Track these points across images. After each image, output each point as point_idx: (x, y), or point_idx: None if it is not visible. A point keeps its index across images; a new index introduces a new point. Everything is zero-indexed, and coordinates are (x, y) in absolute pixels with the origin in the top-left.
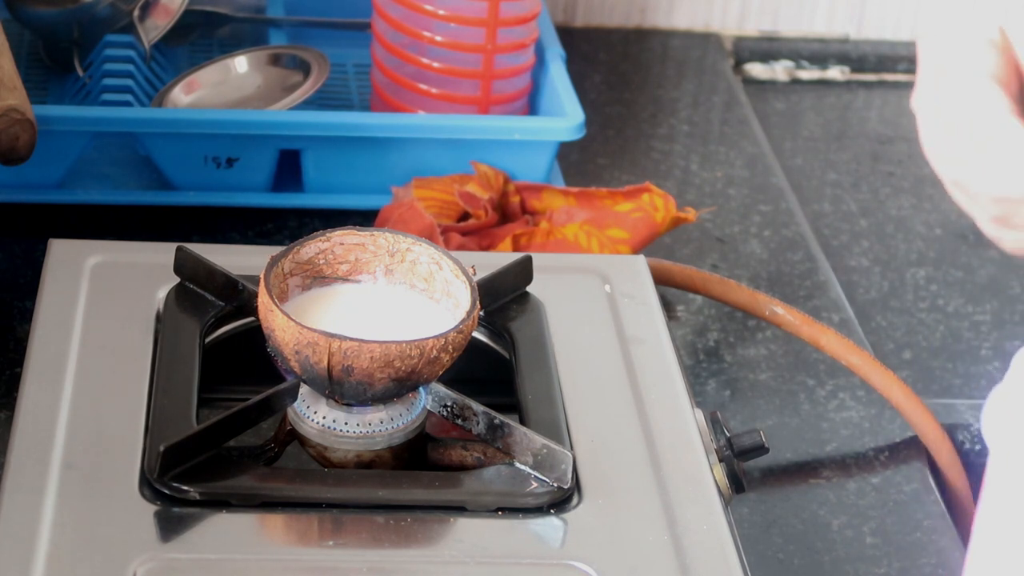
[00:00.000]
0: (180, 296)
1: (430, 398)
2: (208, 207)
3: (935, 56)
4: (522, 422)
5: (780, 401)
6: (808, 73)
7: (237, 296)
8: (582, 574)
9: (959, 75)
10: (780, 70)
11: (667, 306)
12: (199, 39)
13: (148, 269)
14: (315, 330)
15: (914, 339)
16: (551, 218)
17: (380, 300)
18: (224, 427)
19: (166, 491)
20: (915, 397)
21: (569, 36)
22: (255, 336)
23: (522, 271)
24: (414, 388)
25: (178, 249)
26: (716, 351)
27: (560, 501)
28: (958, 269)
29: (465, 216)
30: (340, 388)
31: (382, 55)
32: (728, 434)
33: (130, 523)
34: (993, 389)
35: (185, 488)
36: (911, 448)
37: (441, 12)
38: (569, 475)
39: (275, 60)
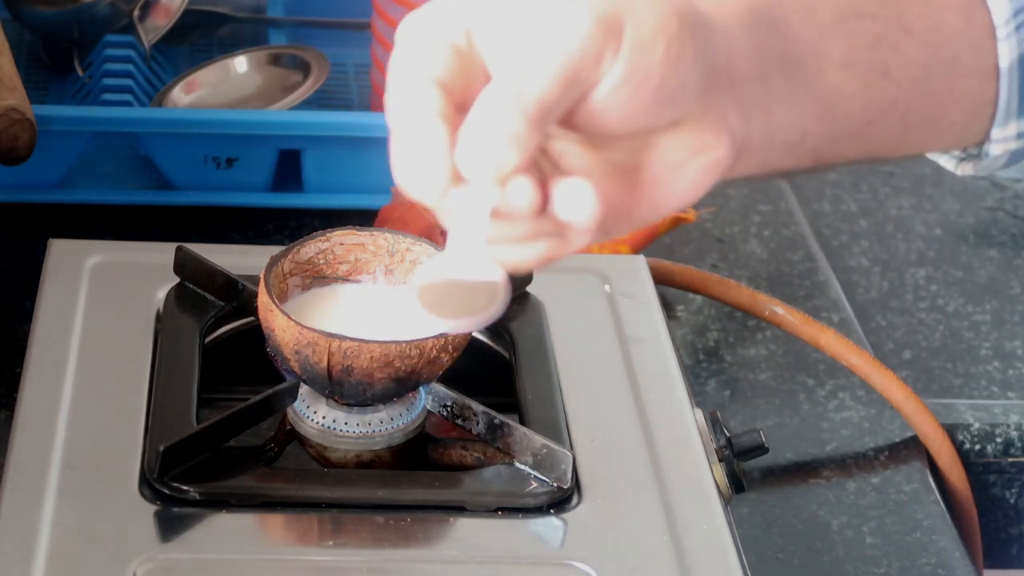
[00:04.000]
0: (180, 296)
1: (430, 398)
2: (208, 207)
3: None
4: (522, 422)
5: (780, 401)
6: None
7: (237, 296)
8: (582, 574)
9: (400, 74)
10: None
11: (667, 306)
12: (199, 39)
13: (148, 269)
14: (315, 330)
15: (914, 339)
16: None
17: (380, 300)
18: (224, 427)
19: (166, 491)
20: (915, 397)
21: None
22: (255, 336)
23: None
24: (414, 388)
25: (178, 249)
26: (716, 351)
27: (560, 501)
28: (958, 269)
29: None
30: (340, 388)
31: (382, 55)
32: (728, 434)
33: (130, 523)
34: None
35: (185, 488)
36: (911, 448)
37: None
38: (569, 475)
39: (275, 60)
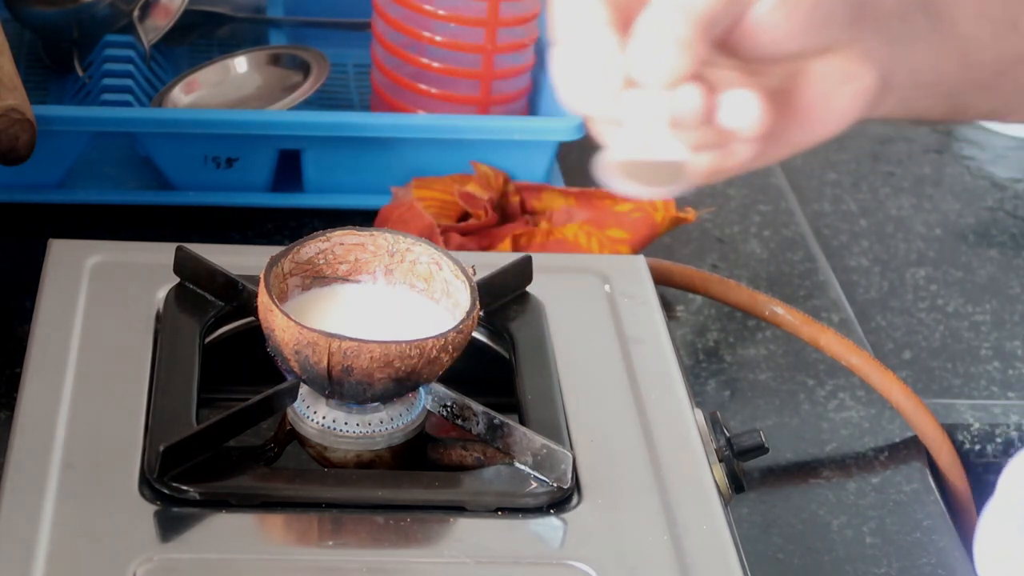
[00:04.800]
0: (180, 296)
1: (430, 398)
2: (208, 207)
3: None
4: (522, 422)
5: (780, 401)
6: None
7: (237, 296)
8: (582, 574)
9: None
10: None
11: (667, 306)
12: (199, 39)
13: (148, 269)
14: (315, 330)
15: (914, 339)
16: (551, 218)
17: (380, 300)
18: (224, 427)
19: (166, 491)
20: (915, 397)
21: None
22: (255, 336)
23: (522, 271)
24: (414, 388)
25: (178, 249)
26: (716, 351)
27: (560, 501)
28: (958, 269)
29: (465, 216)
30: (340, 388)
31: (382, 55)
32: (728, 434)
33: (130, 523)
34: (983, 512)
35: (185, 488)
36: (911, 448)
37: (441, 12)
38: (569, 475)
39: (275, 60)
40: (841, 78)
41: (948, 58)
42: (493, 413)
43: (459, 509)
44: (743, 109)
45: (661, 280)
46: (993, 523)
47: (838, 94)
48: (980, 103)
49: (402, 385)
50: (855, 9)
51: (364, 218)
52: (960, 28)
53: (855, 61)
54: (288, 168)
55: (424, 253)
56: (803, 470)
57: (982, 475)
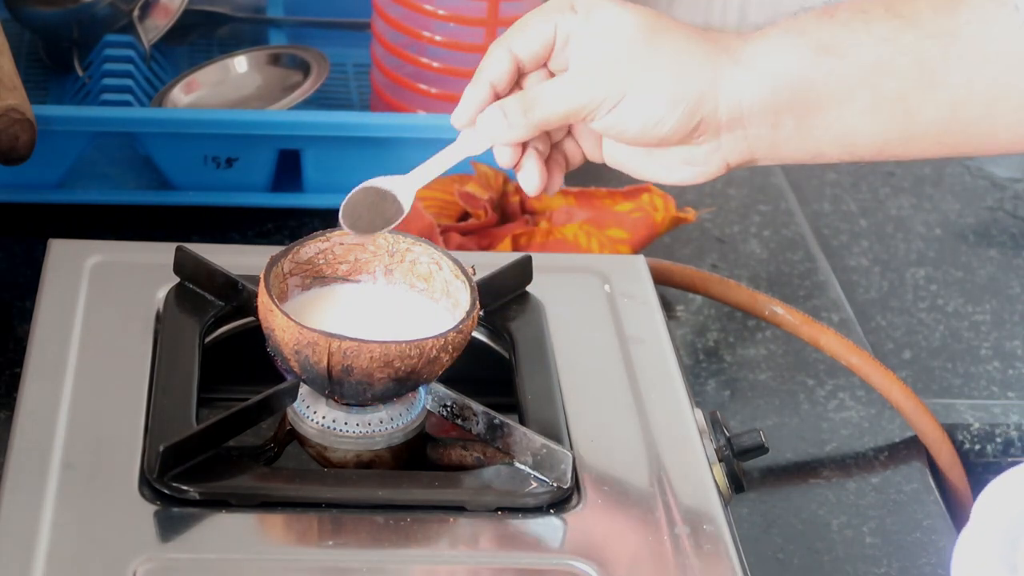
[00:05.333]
0: (180, 296)
1: (430, 398)
2: (208, 207)
3: None
4: (522, 422)
5: (780, 401)
6: None
7: (237, 296)
8: (582, 574)
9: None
10: None
11: (667, 306)
12: (199, 39)
13: (148, 269)
14: (315, 330)
15: (914, 339)
16: (551, 218)
17: (380, 300)
18: (224, 427)
19: (166, 491)
20: (915, 397)
21: None
22: (255, 336)
23: (522, 271)
24: (414, 388)
25: (178, 249)
26: (716, 351)
27: (560, 501)
28: (958, 269)
29: (465, 216)
30: (340, 388)
31: (382, 55)
32: (728, 434)
33: (130, 523)
34: (958, 538)
35: (185, 488)
36: (911, 448)
37: (441, 12)
38: (569, 475)
39: (275, 60)
40: (687, 161)
41: (823, 143)
42: (493, 413)
43: (459, 509)
44: (527, 181)
45: (661, 280)
46: (969, 550)
47: (685, 168)
48: (886, 159)
49: (402, 385)
50: (690, 129)
51: None
52: (844, 123)
53: (701, 154)
54: (288, 168)
55: (424, 253)
56: (803, 470)
57: (982, 475)
